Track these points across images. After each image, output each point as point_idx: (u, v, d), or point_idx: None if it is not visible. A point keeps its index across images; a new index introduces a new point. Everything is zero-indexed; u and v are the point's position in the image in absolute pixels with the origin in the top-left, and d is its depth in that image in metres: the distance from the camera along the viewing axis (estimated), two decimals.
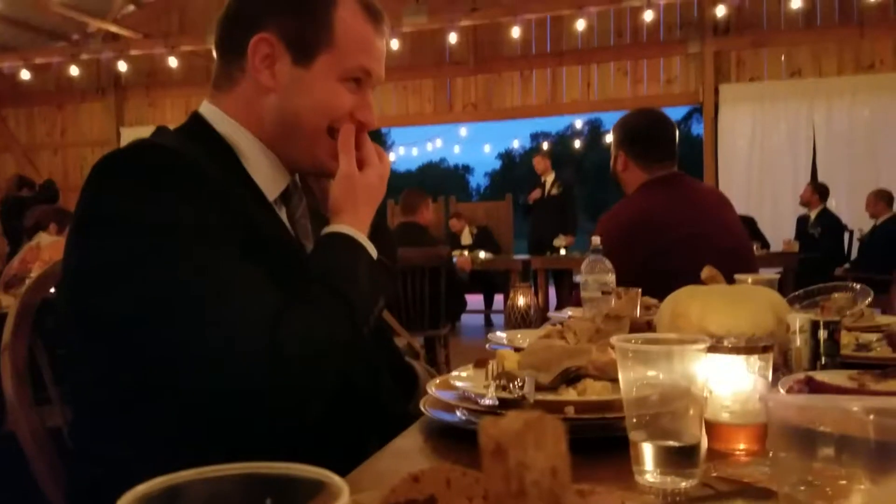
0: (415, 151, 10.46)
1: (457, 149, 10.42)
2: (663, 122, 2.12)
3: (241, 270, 0.76)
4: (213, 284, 0.73)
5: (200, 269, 0.73)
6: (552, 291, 7.08)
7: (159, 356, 0.72)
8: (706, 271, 1.21)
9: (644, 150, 2.07)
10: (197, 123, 0.93)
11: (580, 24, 6.68)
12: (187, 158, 0.80)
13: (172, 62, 7.59)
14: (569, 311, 1.81)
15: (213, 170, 0.82)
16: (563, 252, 6.74)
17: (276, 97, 0.91)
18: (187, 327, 0.71)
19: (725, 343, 0.70)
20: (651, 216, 1.98)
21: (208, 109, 0.94)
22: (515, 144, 12.89)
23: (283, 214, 0.95)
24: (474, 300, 7.23)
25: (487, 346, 1.37)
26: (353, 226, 0.89)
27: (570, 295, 6.71)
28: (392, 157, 13.30)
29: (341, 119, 0.93)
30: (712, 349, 0.67)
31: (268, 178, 0.93)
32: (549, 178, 7.37)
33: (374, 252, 0.90)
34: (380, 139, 23.79)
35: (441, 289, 3.94)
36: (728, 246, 1.97)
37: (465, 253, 6.32)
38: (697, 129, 22.00)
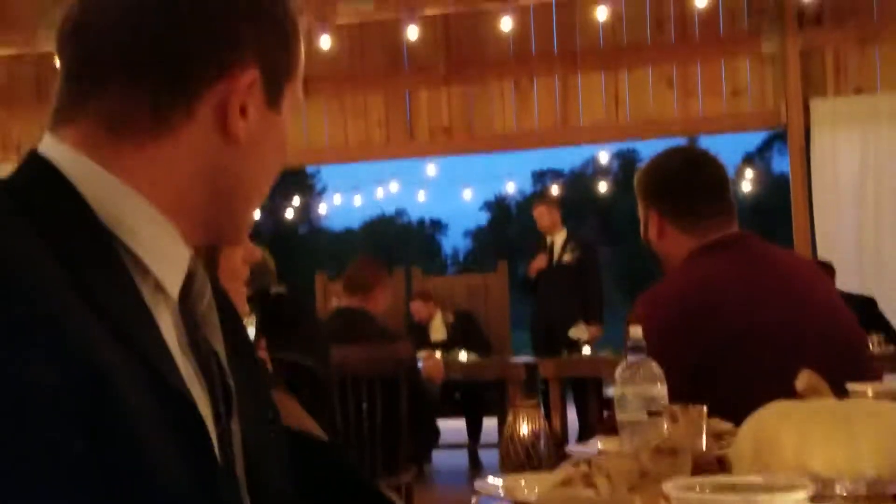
0: (358, 200, 10.53)
1: (422, 195, 10.47)
2: (704, 161, 2.22)
3: None
4: None
5: None
6: (571, 412, 7.05)
7: None
8: (804, 379, 1.22)
9: (683, 205, 2.15)
10: (49, 184, 0.91)
11: (602, 12, 6.86)
12: (43, 294, 0.79)
13: None
14: (598, 443, 1.80)
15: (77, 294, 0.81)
16: (585, 351, 6.75)
17: (234, 152, 0.96)
18: None
19: (838, 490, 0.70)
20: (707, 296, 2.02)
21: (74, 161, 0.91)
22: (510, 189, 13.08)
23: (170, 319, 0.95)
24: (452, 428, 7.15)
25: (474, 500, 1.35)
26: None
27: (599, 417, 6.69)
28: (323, 208, 13.44)
29: None
30: (818, 500, 0.67)
31: (167, 260, 0.94)
32: (559, 239, 7.46)
33: None
34: (305, 182, 24.02)
35: (400, 410, 3.90)
36: (831, 340, 2.01)
37: (437, 354, 6.30)
38: (781, 164, 22.56)
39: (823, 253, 6.66)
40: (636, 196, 2.26)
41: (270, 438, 1.07)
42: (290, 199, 10.75)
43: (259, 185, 1.02)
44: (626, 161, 23.64)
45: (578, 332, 6.92)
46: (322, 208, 12.81)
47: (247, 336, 1.15)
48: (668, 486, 0.67)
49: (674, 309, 2.02)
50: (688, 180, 2.17)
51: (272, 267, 3.96)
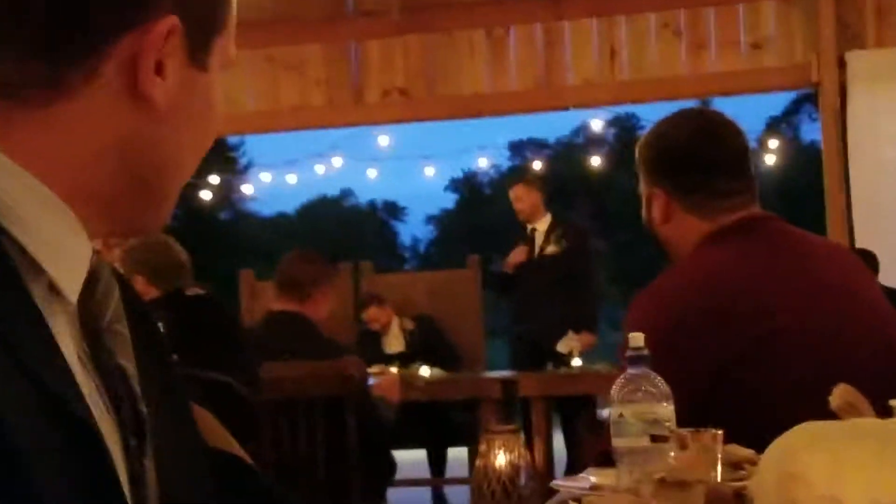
0: (292, 179, 10.52)
1: (373, 173, 10.49)
2: (720, 129, 2.24)
3: None
4: None
5: None
6: (558, 439, 7.08)
7: None
8: (840, 394, 1.24)
9: (694, 182, 2.17)
10: None
11: None
12: None
13: None
14: (591, 477, 1.82)
15: None
16: (575, 363, 6.77)
17: (150, 119, 0.96)
18: None
19: None
20: (721, 291, 2.04)
21: None
22: (482, 163, 13.06)
23: (68, 329, 0.95)
24: (411, 460, 7.15)
25: None
26: None
27: (592, 444, 6.72)
28: (249, 189, 13.37)
29: None
30: None
31: (64, 254, 0.93)
32: (542, 226, 7.47)
33: None
34: (225, 155, 23.90)
35: (348, 439, 3.90)
36: (873, 346, 2.03)
37: (393, 369, 6.30)
38: (811, 131, 22.77)
39: (863, 239, 6.72)
40: (637, 171, 2.28)
41: (195, 479, 1.06)
42: (207, 178, 10.63)
43: (182, 159, 1.02)
44: (623, 129, 23.78)
45: (567, 344, 6.91)
46: (247, 189, 12.76)
47: (166, 351, 1.14)
48: None
49: (681, 308, 2.03)
50: (700, 152, 2.19)
51: (186, 261, 3.94)
